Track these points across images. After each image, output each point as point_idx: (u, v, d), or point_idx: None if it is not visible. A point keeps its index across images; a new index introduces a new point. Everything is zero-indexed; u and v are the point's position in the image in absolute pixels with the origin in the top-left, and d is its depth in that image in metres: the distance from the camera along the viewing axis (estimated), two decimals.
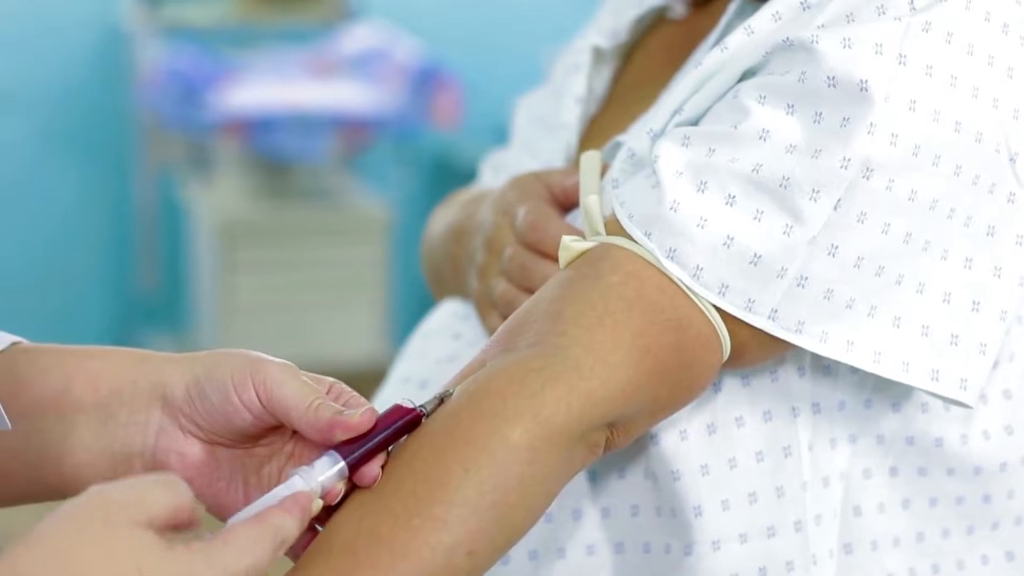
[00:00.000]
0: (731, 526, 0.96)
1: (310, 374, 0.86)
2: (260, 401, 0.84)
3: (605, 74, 1.14)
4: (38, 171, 4.50)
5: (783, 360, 0.96)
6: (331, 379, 0.86)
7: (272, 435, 0.87)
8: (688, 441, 0.96)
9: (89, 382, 0.87)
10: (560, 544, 1.00)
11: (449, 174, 4.48)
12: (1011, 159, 0.92)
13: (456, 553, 0.82)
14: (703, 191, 0.90)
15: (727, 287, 0.89)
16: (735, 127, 0.91)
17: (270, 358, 0.85)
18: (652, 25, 1.15)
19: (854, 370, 0.97)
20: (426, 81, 4.20)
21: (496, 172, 1.20)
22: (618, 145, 1.01)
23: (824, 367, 0.97)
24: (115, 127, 4.52)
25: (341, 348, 4.11)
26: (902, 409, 0.99)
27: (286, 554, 0.89)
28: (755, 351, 0.92)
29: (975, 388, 0.93)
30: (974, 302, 0.93)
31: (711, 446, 0.96)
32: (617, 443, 0.90)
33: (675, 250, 0.89)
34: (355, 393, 0.86)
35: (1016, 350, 1.01)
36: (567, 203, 1.03)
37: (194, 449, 0.86)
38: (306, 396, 0.83)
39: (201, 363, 0.86)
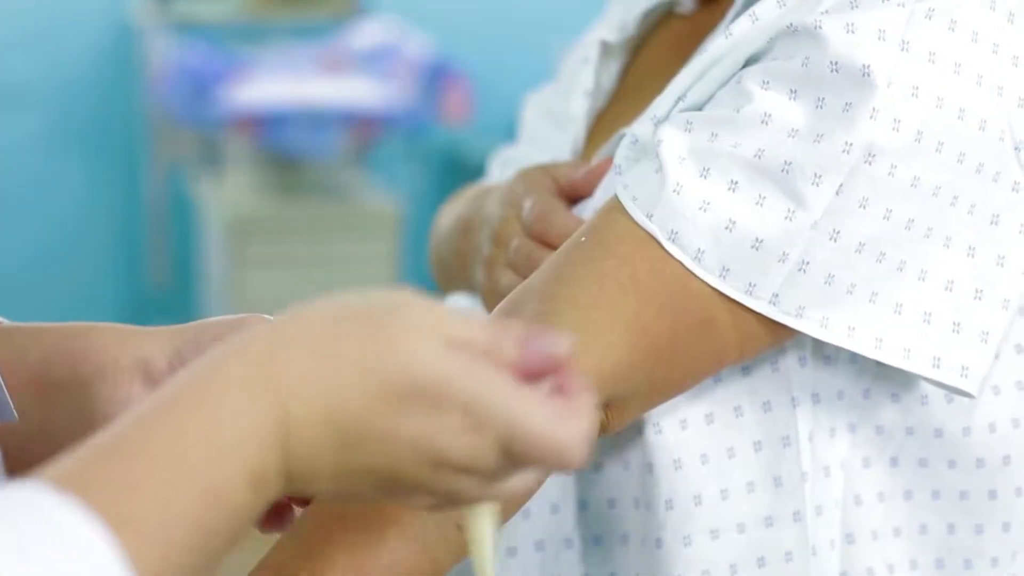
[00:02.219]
0: (730, 515, 0.96)
1: None
2: None
3: (613, 68, 1.14)
4: (49, 167, 4.51)
5: (784, 350, 0.96)
6: None
7: None
8: (688, 431, 0.96)
9: (68, 361, 0.86)
10: (567, 535, 1.00)
11: (459, 170, 4.48)
12: (1016, 147, 0.92)
13: (446, 523, 0.83)
14: (706, 177, 0.90)
15: (728, 270, 0.89)
16: (737, 111, 0.91)
17: (251, 321, 0.84)
18: (661, 20, 1.15)
19: (853, 359, 0.97)
20: (436, 77, 4.20)
21: (505, 168, 1.20)
22: (624, 137, 1.01)
23: (825, 357, 0.97)
24: (125, 123, 4.53)
25: None
26: (901, 399, 0.99)
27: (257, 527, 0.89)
28: (762, 338, 0.92)
29: (977, 376, 0.93)
30: (977, 290, 0.92)
31: (710, 435, 0.96)
32: (612, 425, 0.91)
33: (677, 232, 0.89)
34: None
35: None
36: (573, 195, 1.03)
37: None
38: None
39: (183, 334, 0.85)
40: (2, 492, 0.57)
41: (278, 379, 0.63)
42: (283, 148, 4.14)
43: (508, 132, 1.29)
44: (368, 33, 4.34)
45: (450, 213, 1.18)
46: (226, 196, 4.24)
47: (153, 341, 0.86)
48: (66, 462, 0.60)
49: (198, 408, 0.62)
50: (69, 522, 0.56)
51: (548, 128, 1.16)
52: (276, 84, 4.12)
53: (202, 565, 0.60)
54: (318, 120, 4.09)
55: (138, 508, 0.59)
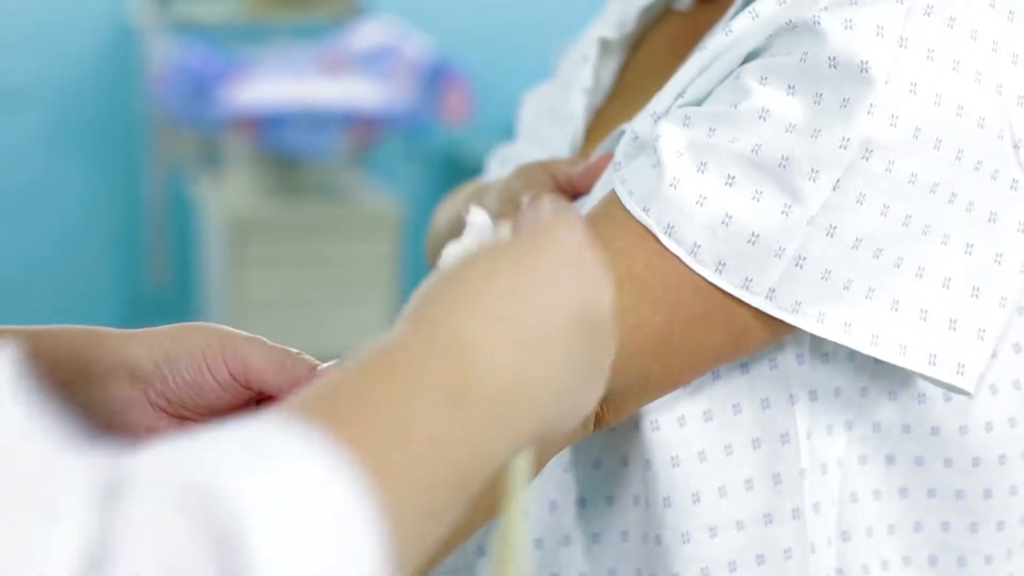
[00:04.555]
0: (729, 513, 0.96)
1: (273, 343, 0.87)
2: (231, 374, 0.85)
3: (612, 65, 1.15)
4: (48, 168, 4.51)
5: (782, 347, 0.96)
6: (292, 349, 0.87)
7: (237, 407, 0.87)
8: (686, 428, 0.96)
9: (47, 362, 0.86)
10: (566, 532, 1.00)
11: (458, 171, 4.48)
12: (1015, 146, 0.92)
13: None
14: (703, 171, 0.90)
15: (724, 265, 0.89)
16: (735, 106, 0.91)
17: (236, 331, 0.86)
18: (659, 17, 1.15)
19: (851, 357, 0.97)
20: (436, 78, 4.20)
21: (503, 165, 1.20)
22: (623, 134, 1.01)
23: (823, 354, 0.97)
24: (125, 124, 4.53)
25: (351, 343, 4.11)
26: (899, 398, 0.99)
27: None
28: (759, 333, 0.92)
29: (973, 374, 0.93)
30: (974, 288, 0.93)
31: (708, 432, 0.96)
32: (607, 419, 0.91)
33: (673, 226, 0.90)
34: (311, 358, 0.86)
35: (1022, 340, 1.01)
36: (571, 192, 1.03)
37: (163, 424, 0.86)
38: (278, 356, 0.84)
39: (168, 338, 0.86)
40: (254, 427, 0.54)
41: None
42: (283, 148, 4.14)
43: (508, 132, 1.29)
44: (368, 33, 4.34)
45: (447, 209, 1.19)
46: (226, 196, 4.24)
47: (135, 344, 0.86)
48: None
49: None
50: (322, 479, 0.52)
51: (547, 125, 1.16)
52: (276, 84, 4.12)
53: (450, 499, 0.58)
54: (318, 120, 4.08)
55: (379, 429, 0.56)
